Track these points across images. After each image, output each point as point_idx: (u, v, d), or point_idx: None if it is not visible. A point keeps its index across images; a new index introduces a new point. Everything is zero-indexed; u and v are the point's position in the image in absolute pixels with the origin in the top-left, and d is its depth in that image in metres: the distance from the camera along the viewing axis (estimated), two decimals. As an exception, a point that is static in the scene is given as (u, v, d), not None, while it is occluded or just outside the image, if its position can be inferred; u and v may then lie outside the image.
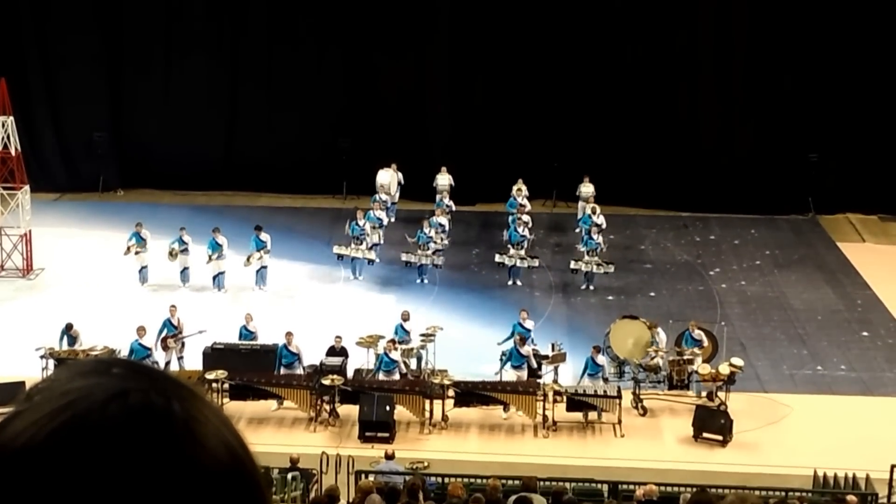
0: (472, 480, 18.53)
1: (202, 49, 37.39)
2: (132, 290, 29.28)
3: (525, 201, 33.72)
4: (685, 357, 24.36)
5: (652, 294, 30.11)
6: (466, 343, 26.04)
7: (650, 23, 36.57)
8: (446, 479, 18.53)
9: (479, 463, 20.89)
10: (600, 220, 31.76)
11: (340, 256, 30.61)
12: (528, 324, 25.27)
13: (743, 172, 36.28)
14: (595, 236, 30.40)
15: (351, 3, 36.92)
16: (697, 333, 24.90)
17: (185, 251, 29.60)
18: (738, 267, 32.19)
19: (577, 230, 32.63)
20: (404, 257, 30.48)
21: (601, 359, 24.02)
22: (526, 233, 30.97)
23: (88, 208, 35.74)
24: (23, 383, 22.82)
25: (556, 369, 24.48)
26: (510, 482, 17.84)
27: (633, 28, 36.60)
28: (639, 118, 36.52)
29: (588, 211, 32.35)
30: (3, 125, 30.02)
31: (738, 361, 23.78)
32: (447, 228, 32.31)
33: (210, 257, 29.39)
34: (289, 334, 24.14)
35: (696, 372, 23.90)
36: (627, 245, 33.69)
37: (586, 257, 30.02)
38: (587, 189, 34.33)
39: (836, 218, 36.52)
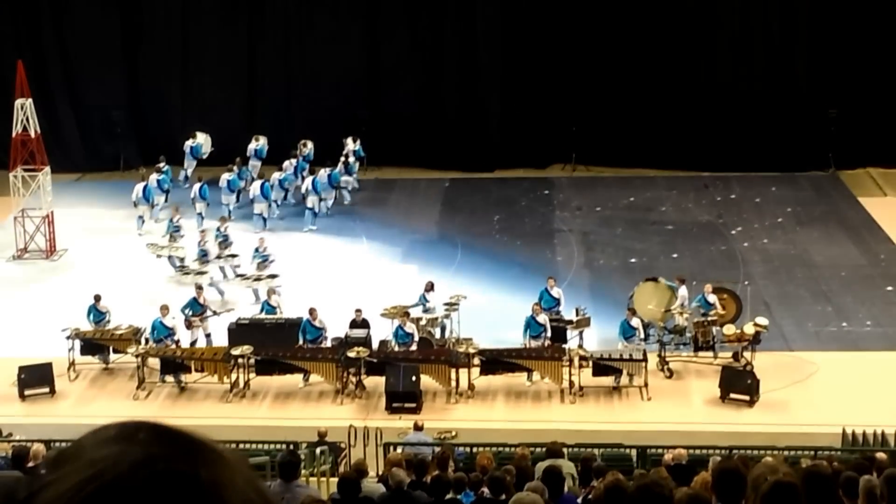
0: (500, 449, 18.55)
1: (220, 24, 37.41)
2: (156, 268, 29.29)
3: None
4: (710, 318, 24.27)
5: (675, 255, 30.03)
6: (491, 311, 26.02)
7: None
8: (474, 449, 18.56)
9: (506, 430, 20.92)
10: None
11: (159, 256, 29.15)
12: (555, 292, 25.22)
13: (762, 130, 36.09)
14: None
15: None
16: (712, 297, 24.72)
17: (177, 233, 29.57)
18: (760, 225, 32.07)
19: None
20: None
21: (636, 321, 23.95)
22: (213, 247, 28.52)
23: (110, 187, 35.73)
24: (50, 364, 22.98)
25: (581, 334, 24.47)
26: (538, 450, 17.86)
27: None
28: (657, 79, 36.32)
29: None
30: (23, 107, 30.05)
31: (762, 321, 23.74)
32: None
33: None
34: (312, 310, 24.12)
35: (722, 332, 23.85)
36: (648, 207, 33.61)
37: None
38: (351, 146, 34.86)
39: (857, 173, 36.33)
